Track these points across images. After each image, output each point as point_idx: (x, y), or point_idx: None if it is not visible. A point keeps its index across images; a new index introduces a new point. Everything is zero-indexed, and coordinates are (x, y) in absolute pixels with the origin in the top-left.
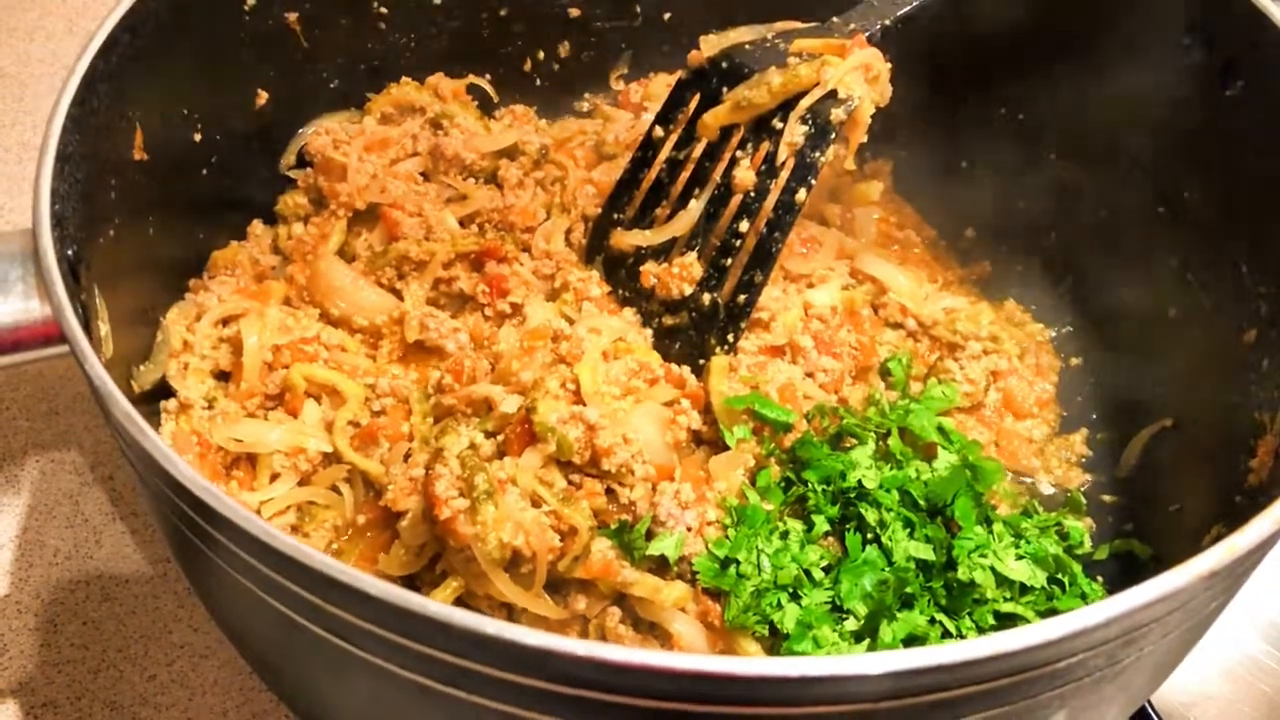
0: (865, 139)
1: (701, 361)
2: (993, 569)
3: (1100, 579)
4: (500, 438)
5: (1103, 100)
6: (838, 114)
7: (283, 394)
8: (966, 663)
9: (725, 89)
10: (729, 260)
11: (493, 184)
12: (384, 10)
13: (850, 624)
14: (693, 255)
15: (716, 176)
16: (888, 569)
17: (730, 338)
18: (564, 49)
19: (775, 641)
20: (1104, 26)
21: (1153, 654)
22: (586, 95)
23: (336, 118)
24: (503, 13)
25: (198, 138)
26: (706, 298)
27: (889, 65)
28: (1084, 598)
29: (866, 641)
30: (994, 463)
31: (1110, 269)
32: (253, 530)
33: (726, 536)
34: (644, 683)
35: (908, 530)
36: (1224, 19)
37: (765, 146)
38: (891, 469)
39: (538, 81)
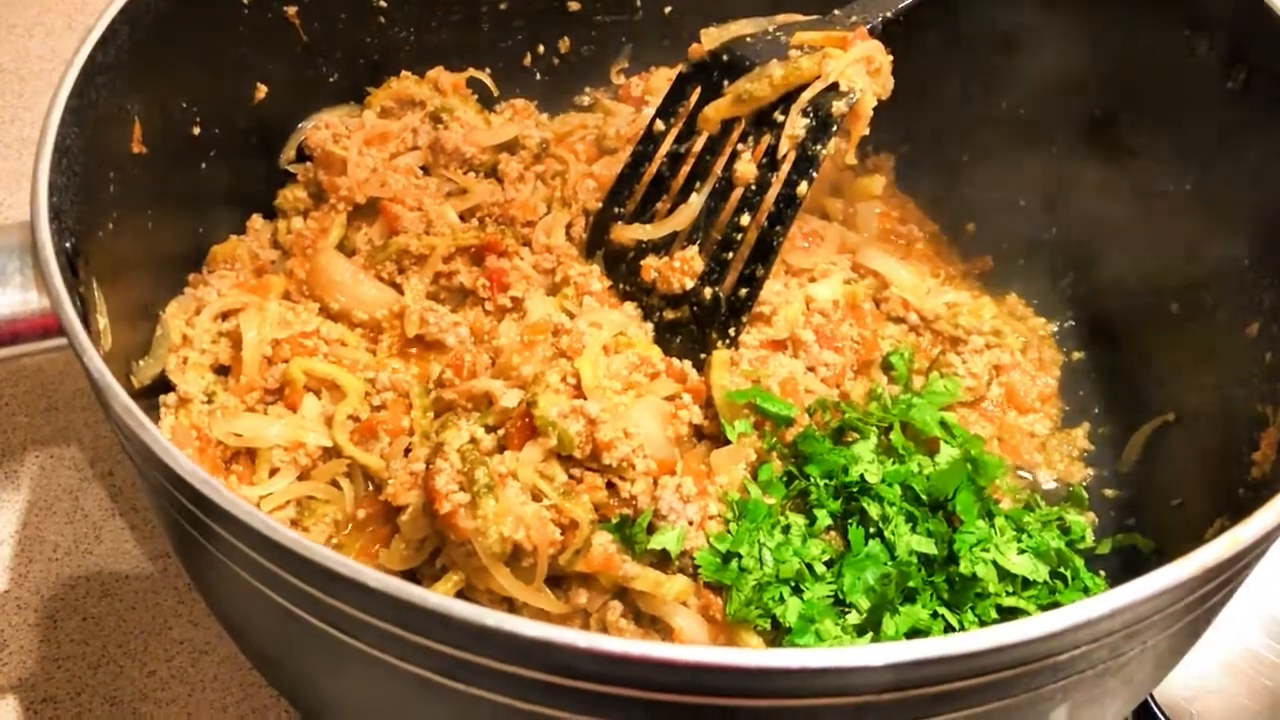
0: (867, 132)
1: (703, 356)
2: (995, 563)
3: (1102, 573)
4: (501, 432)
5: (1104, 94)
6: (839, 107)
7: (282, 388)
8: (969, 654)
9: (726, 82)
10: (730, 254)
11: (493, 178)
12: (384, 4)
13: (853, 617)
14: (694, 249)
15: (718, 170)
16: (890, 563)
17: (731, 332)
18: (564, 43)
19: (777, 635)
20: (1106, 20)
21: (1156, 647)
22: (587, 90)
23: (336, 112)
24: (503, 6)
25: (197, 131)
26: (708, 292)
27: (890, 58)
28: (1086, 591)
29: (869, 635)
30: (995, 457)
31: (1112, 263)
32: (253, 523)
33: (728, 531)
34: (644, 674)
35: (910, 525)
36: (1226, 12)
37: (766, 139)
38: (893, 463)
39: (538, 76)
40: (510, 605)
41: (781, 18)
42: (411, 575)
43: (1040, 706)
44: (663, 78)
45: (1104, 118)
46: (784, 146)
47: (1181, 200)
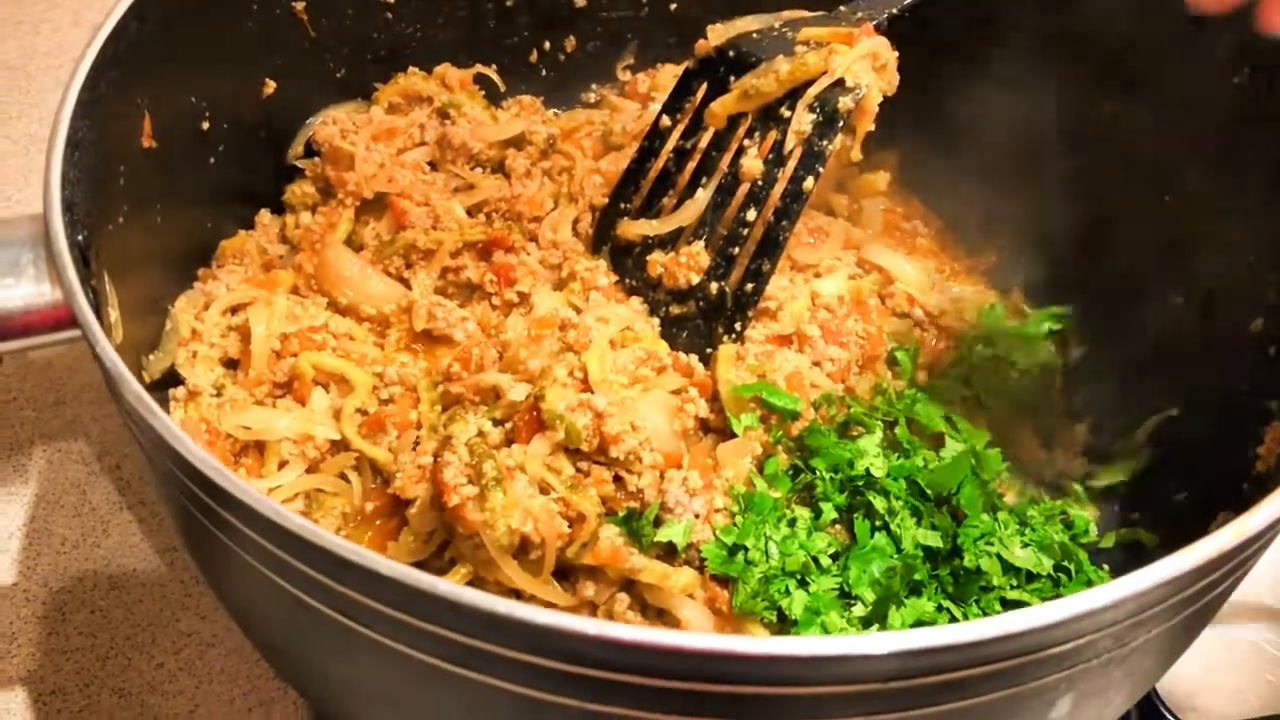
0: (872, 128)
1: (709, 350)
2: (999, 556)
3: (1106, 567)
4: (508, 425)
5: (1108, 90)
6: (845, 102)
7: (291, 382)
8: (974, 643)
9: (732, 78)
10: (736, 249)
11: (500, 173)
12: (390, 0)
13: (858, 610)
14: (700, 244)
15: (724, 165)
16: (896, 556)
17: (737, 326)
18: (570, 39)
19: (783, 628)
20: (1110, 14)
21: (1160, 637)
22: (593, 86)
23: (344, 108)
24: (509, 3)
25: (205, 126)
26: (714, 287)
27: (896, 54)
28: (1090, 585)
29: (874, 627)
30: (998, 451)
31: (1116, 258)
32: (263, 510)
33: (734, 524)
34: (652, 662)
35: (915, 519)
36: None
37: (773, 135)
38: (899, 458)
39: (544, 72)
40: (518, 597)
41: (787, 14)
42: (420, 568)
43: (1045, 696)
44: (669, 74)
45: (1111, 112)
46: (790, 142)
47: (1186, 196)
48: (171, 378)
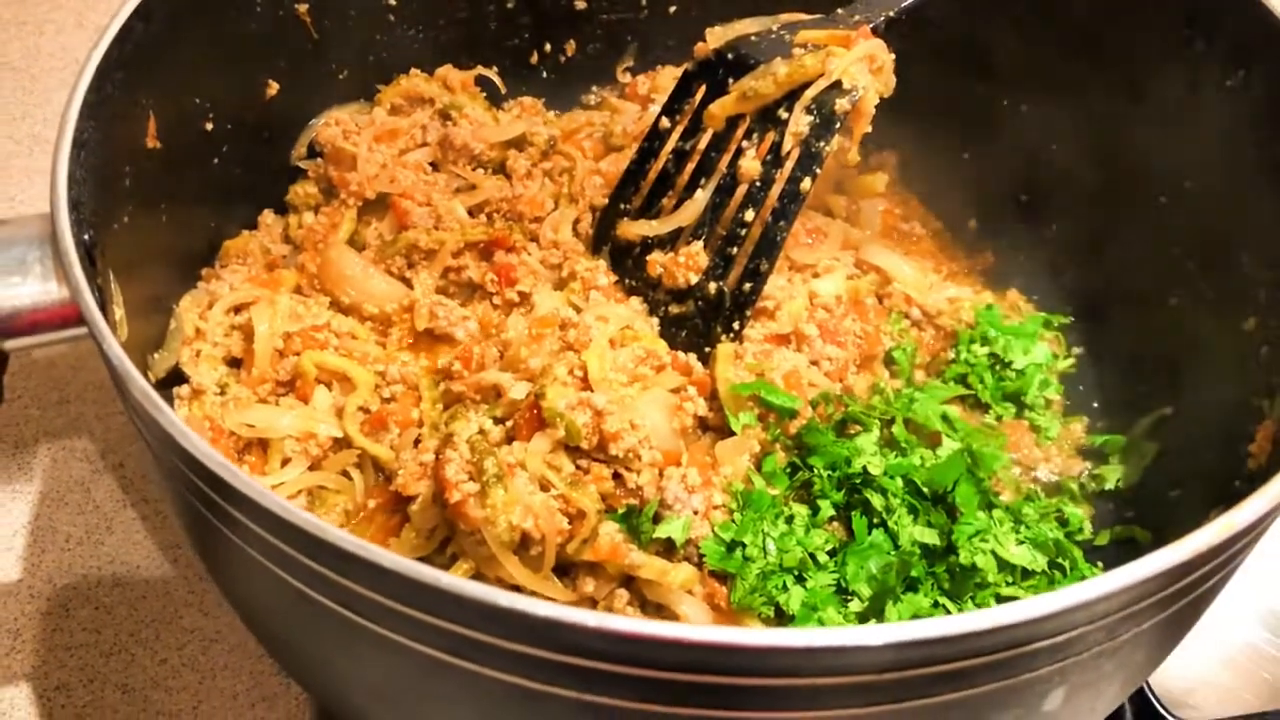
0: (869, 129)
1: (707, 349)
2: (994, 553)
3: (1100, 564)
4: (509, 423)
5: (1104, 92)
6: (842, 104)
7: (294, 380)
8: (968, 634)
9: (731, 80)
10: (735, 249)
11: (501, 174)
12: (393, 2)
13: (855, 605)
14: (699, 244)
15: (722, 166)
16: (893, 552)
17: (736, 326)
18: (570, 41)
19: (781, 624)
20: (1106, 18)
21: (1152, 631)
22: (594, 88)
23: (347, 109)
24: (510, 5)
25: (209, 127)
26: (712, 286)
27: (893, 56)
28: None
29: (871, 622)
30: (993, 449)
31: (1111, 259)
32: (267, 504)
33: (732, 520)
34: (651, 653)
35: (912, 516)
36: (1226, 10)
37: (771, 136)
38: (896, 456)
39: (544, 74)
40: (519, 593)
41: (785, 17)
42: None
43: (1038, 689)
44: (669, 76)
45: (1106, 114)
46: (788, 143)
47: (1182, 195)
48: (175, 376)
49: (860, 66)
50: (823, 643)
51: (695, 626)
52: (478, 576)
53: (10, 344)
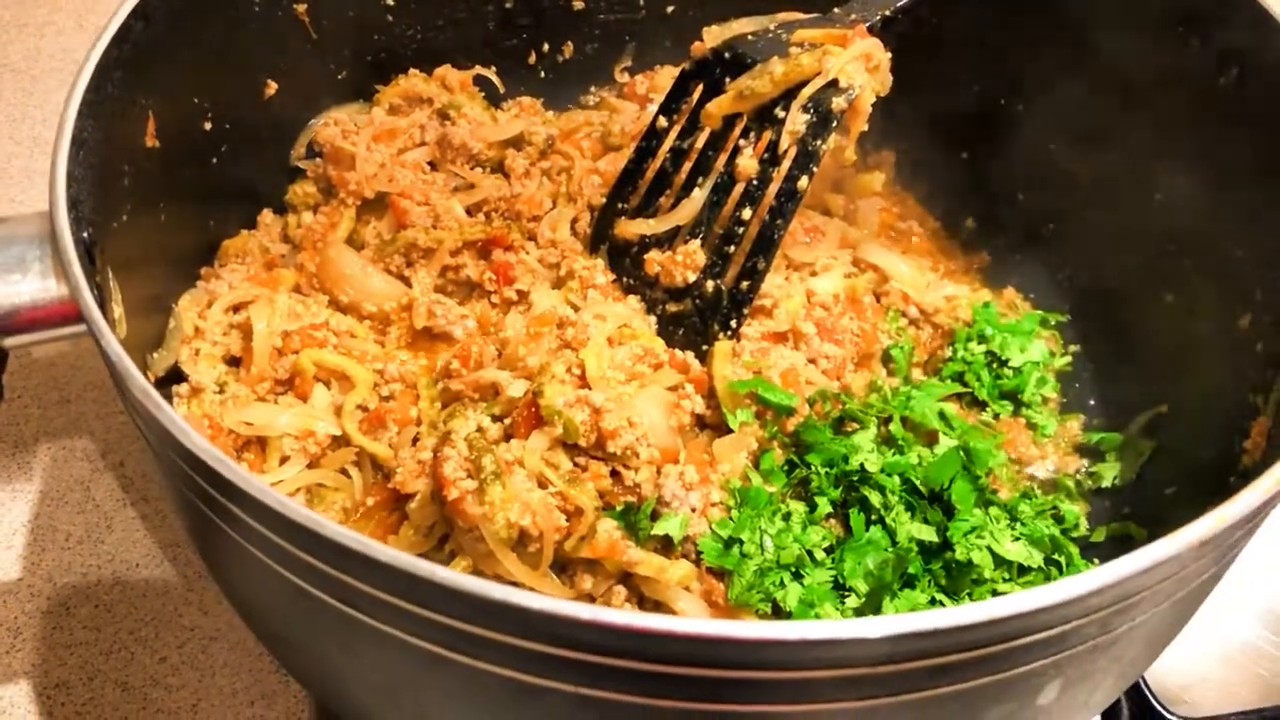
0: (866, 128)
1: (705, 347)
2: (990, 550)
3: (1096, 560)
4: (507, 421)
5: (1100, 90)
6: (839, 103)
7: (292, 379)
8: (963, 627)
9: (728, 79)
10: (732, 248)
11: (499, 174)
12: (391, 3)
13: (852, 601)
14: (696, 243)
15: (720, 165)
16: (891, 549)
17: (733, 324)
18: (568, 42)
19: (778, 620)
20: (1101, 17)
21: (1146, 624)
22: (592, 89)
23: (345, 109)
24: (508, 5)
25: (208, 127)
26: (710, 285)
27: (889, 55)
28: None
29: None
30: (988, 446)
31: (1108, 257)
32: (266, 500)
33: (730, 517)
34: (647, 646)
35: (910, 513)
36: (1219, 9)
37: (768, 135)
38: (893, 454)
39: (542, 74)
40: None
41: (782, 16)
42: None
43: (1032, 682)
44: (667, 76)
45: (1101, 113)
46: (785, 142)
47: (1176, 195)
48: (175, 375)
49: (857, 65)
50: (819, 635)
51: (690, 620)
52: (476, 573)
53: (9, 341)
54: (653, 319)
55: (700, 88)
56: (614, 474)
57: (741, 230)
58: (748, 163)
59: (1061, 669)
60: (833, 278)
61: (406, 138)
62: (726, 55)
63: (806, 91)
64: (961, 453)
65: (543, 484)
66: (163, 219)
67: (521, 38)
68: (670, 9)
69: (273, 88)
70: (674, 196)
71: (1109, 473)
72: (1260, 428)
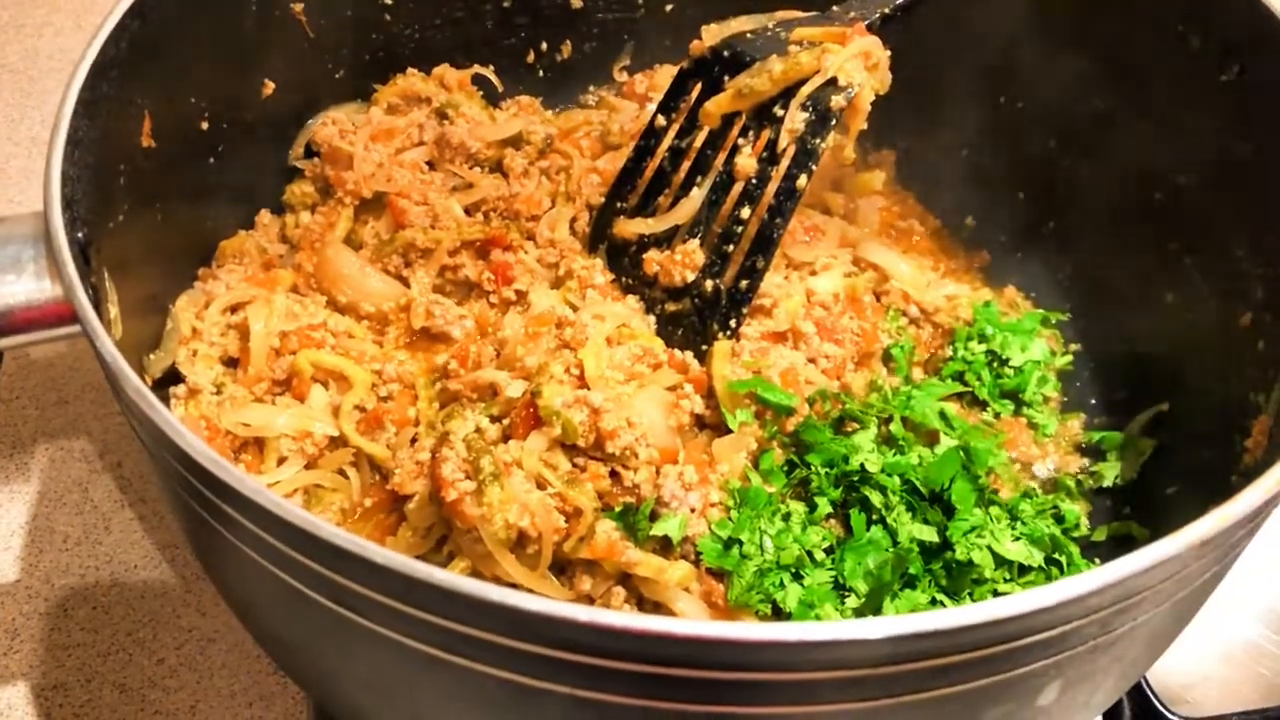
0: (865, 126)
1: (704, 347)
2: (990, 549)
3: (1097, 560)
4: (506, 422)
5: (1100, 88)
6: (838, 101)
7: (290, 379)
8: (964, 628)
9: (727, 78)
10: (731, 247)
11: (498, 173)
12: (389, 2)
13: (852, 601)
14: (695, 242)
15: (718, 164)
16: (892, 549)
17: (733, 323)
18: (567, 41)
19: (778, 620)
20: (1101, 13)
21: (1147, 624)
22: (590, 88)
23: (343, 108)
24: (506, 4)
25: (205, 126)
26: (709, 284)
27: (888, 53)
28: None
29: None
30: (987, 445)
31: (1108, 255)
32: (262, 501)
33: (729, 518)
34: (644, 648)
35: (911, 513)
36: (1220, 5)
37: (766, 134)
38: (894, 454)
39: (541, 73)
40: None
41: (781, 14)
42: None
43: (1033, 683)
44: (667, 74)
45: (1102, 111)
46: (784, 140)
47: (1177, 192)
48: (172, 377)
49: (856, 63)
50: (819, 636)
51: (688, 621)
52: (475, 575)
53: (4, 342)
54: (651, 319)
55: (699, 86)
56: (613, 474)
57: (740, 229)
58: (747, 161)
59: (1062, 669)
60: (832, 277)
61: (404, 137)
62: (725, 53)
63: (805, 90)
64: (961, 453)
65: (541, 485)
66: (159, 219)
67: (520, 36)
68: (669, 7)
69: (270, 87)
70: (673, 195)
71: (1110, 472)
72: (1261, 426)
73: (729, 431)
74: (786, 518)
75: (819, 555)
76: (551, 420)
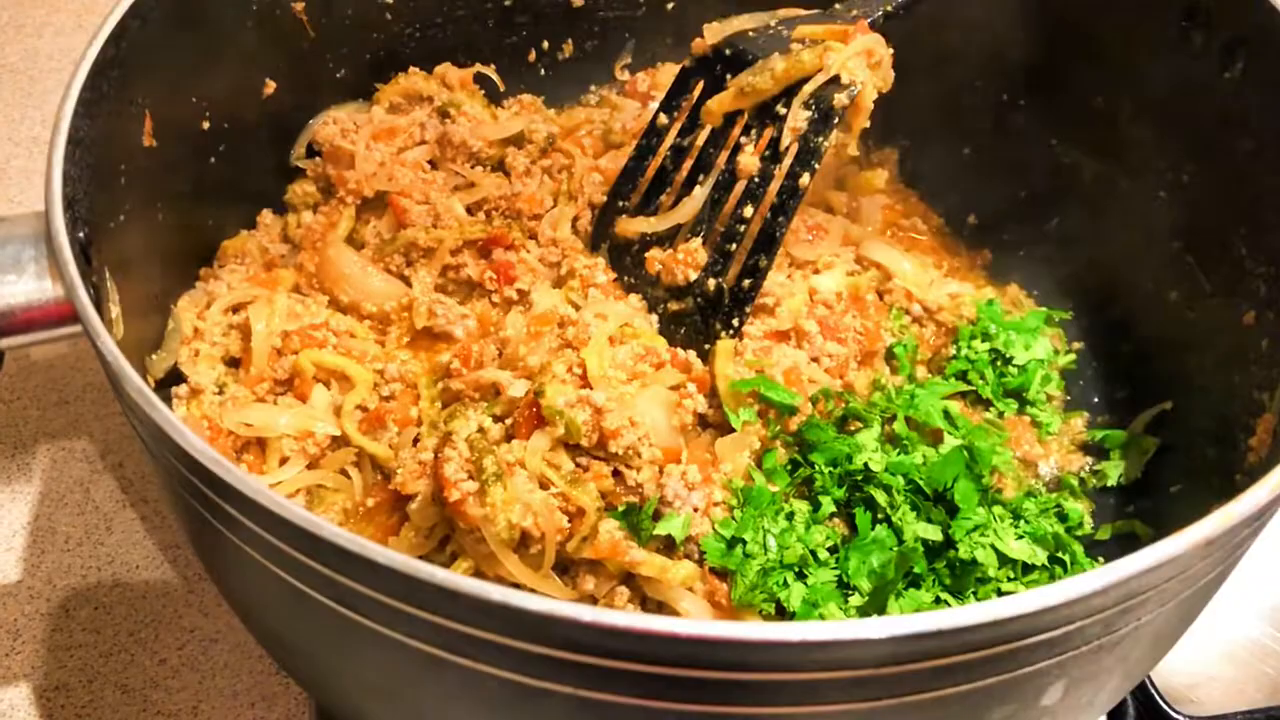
0: (868, 124)
1: (707, 346)
2: (994, 548)
3: (1101, 559)
4: (508, 421)
5: (1103, 85)
6: (840, 99)
7: (292, 379)
8: (967, 627)
9: (729, 76)
10: (734, 245)
11: (500, 172)
12: (390, 1)
13: (855, 600)
14: (697, 241)
15: (721, 163)
16: (897, 548)
17: (735, 322)
18: (568, 39)
19: (782, 620)
20: (1104, 11)
21: (1151, 624)
22: (592, 87)
23: (345, 108)
24: (507, 3)
25: (206, 126)
26: (712, 283)
27: (891, 51)
28: None
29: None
30: (991, 444)
31: (1111, 254)
32: (264, 501)
33: (733, 517)
34: (647, 648)
35: (915, 512)
36: (1223, 3)
37: (769, 132)
38: (898, 453)
39: (542, 71)
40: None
41: (783, 12)
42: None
43: (1037, 683)
44: (669, 73)
45: (1104, 109)
46: (786, 139)
47: (1180, 190)
48: (174, 377)
49: (858, 61)
50: (822, 636)
51: (691, 621)
52: (478, 575)
53: (5, 343)
54: (654, 318)
55: (701, 85)
56: (616, 474)
57: (743, 228)
58: (749, 160)
59: (1066, 669)
60: (835, 275)
61: (406, 136)
62: (727, 52)
63: (808, 88)
64: (965, 452)
65: (544, 485)
66: (161, 219)
67: (521, 35)
68: (670, 5)
69: (271, 87)
70: (675, 194)
71: (1113, 471)
72: (1266, 425)
73: (732, 431)
74: (790, 517)
75: (822, 554)
76: (554, 420)
